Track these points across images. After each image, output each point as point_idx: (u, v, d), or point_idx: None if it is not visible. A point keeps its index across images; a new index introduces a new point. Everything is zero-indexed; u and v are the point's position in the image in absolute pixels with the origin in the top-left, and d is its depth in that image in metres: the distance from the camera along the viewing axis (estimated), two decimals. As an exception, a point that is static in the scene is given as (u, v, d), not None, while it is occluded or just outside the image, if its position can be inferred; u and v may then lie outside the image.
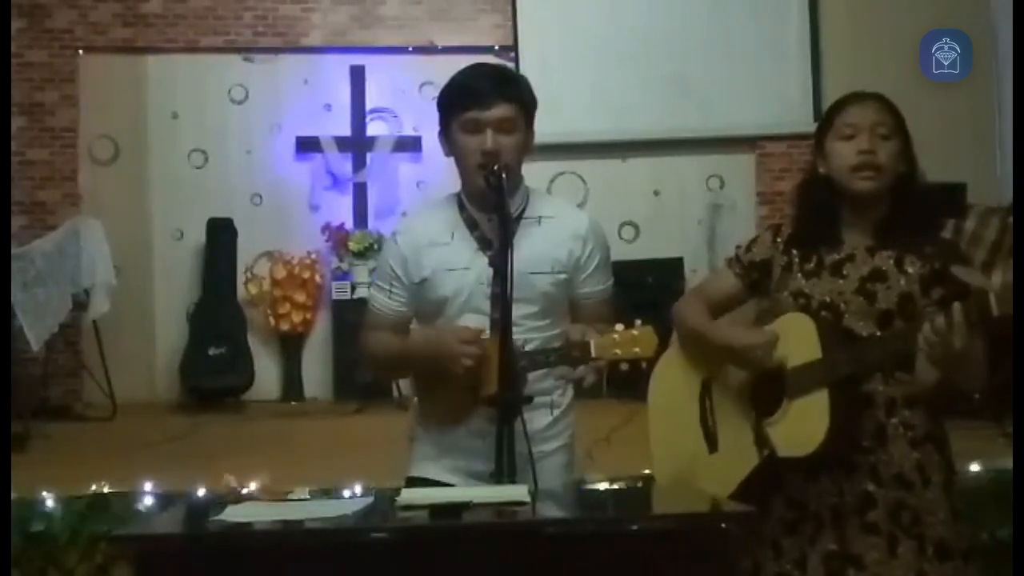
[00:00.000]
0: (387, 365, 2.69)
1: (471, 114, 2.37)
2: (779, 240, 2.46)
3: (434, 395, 2.45)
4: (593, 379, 2.27)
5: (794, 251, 2.41)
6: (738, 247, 2.55)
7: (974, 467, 4.02)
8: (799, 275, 2.39)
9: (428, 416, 2.50)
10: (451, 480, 2.40)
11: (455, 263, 2.42)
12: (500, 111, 2.36)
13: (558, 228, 2.45)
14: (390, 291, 2.51)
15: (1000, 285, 2.03)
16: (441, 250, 2.44)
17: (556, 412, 2.48)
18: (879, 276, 2.31)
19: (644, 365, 2.27)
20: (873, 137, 2.32)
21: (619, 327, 2.24)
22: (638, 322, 2.24)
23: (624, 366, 2.23)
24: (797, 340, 2.30)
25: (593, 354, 2.24)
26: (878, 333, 2.29)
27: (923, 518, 2.26)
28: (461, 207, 2.47)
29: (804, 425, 2.26)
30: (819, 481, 2.31)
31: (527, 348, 2.33)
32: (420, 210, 2.71)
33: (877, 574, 2.25)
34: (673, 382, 2.54)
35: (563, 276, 2.44)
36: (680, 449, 2.50)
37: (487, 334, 2.36)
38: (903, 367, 2.28)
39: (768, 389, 2.35)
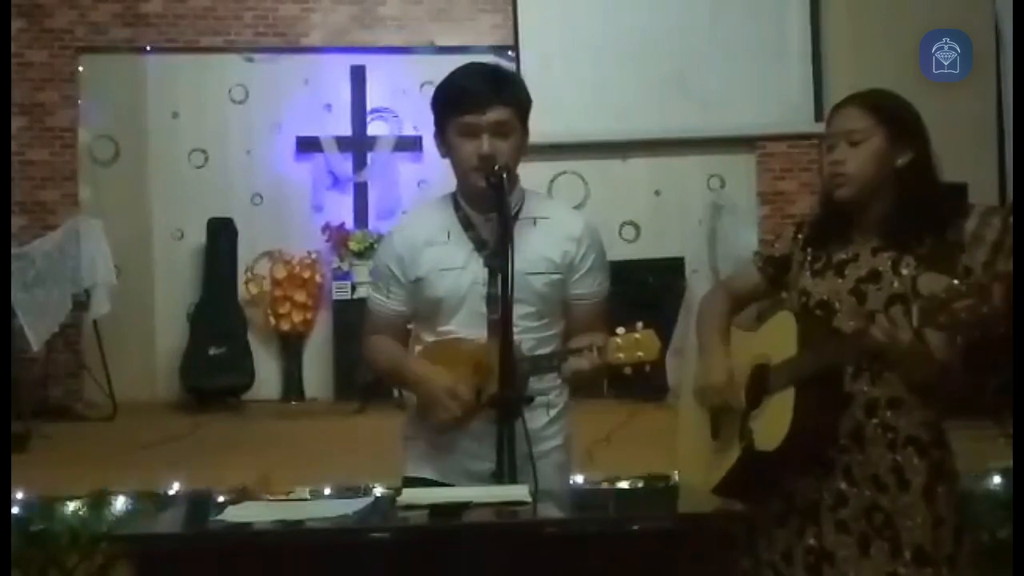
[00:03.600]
0: (385, 377, 2.71)
1: (467, 119, 2.34)
2: (799, 237, 2.47)
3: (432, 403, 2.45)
4: (587, 366, 2.27)
5: (809, 249, 2.43)
6: (764, 242, 2.56)
7: (974, 467, 4.01)
8: (807, 273, 2.40)
9: (426, 418, 2.50)
10: (448, 480, 2.39)
11: (450, 263, 2.41)
12: (496, 115, 2.34)
13: (553, 229, 2.44)
14: (388, 290, 2.50)
15: (972, 284, 2.02)
16: (437, 250, 2.43)
17: (552, 412, 2.47)
18: (874, 277, 2.31)
19: (647, 369, 2.26)
20: (844, 145, 2.33)
21: (620, 330, 2.23)
22: (639, 324, 2.23)
23: (627, 370, 2.23)
24: (781, 337, 2.32)
25: (598, 359, 2.23)
26: None
27: (897, 521, 2.24)
28: (456, 207, 2.46)
29: (775, 420, 2.28)
30: (803, 477, 2.32)
31: (524, 348, 2.32)
32: (416, 209, 2.70)
33: (845, 572, 2.26)
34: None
35: (557, 277, 2.43)
36: (695, 434, 2.55)
37: (482, 335, 2.36)
38: (889, 366, 2.27)
39: (759, 384, 2.37)
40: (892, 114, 2.34)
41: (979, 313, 1.97)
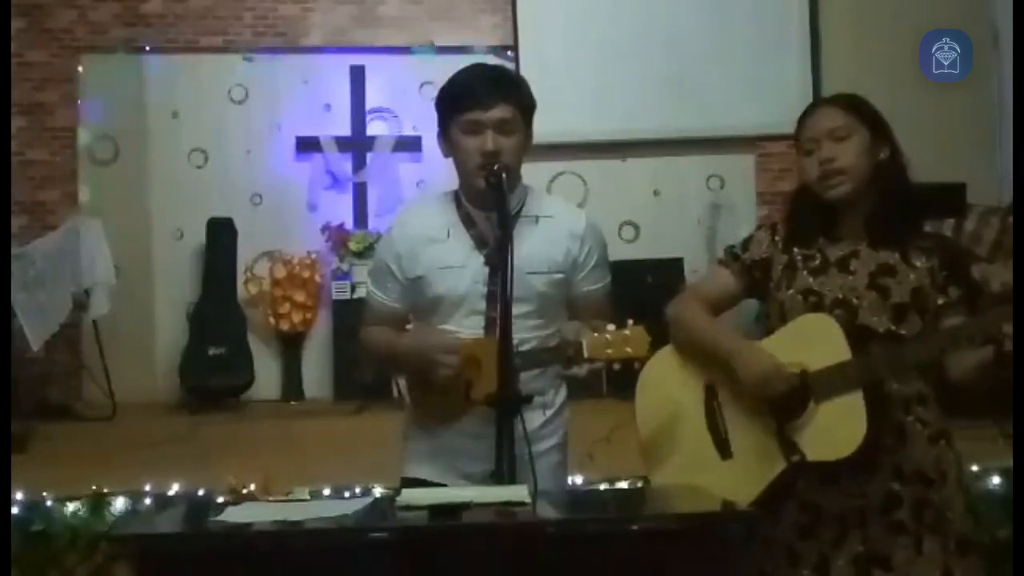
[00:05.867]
0: (380, 361, 2.70)
1: (471, 115, 2.36)
2: (777, 239, 2.44)
3: (428, 395, 2.45)
4: (584, 373, 2.27)
5: (795, 249, 2.40)
6: (731, 246, 2.51)
7: (974, 467, 4.01)
8: (805, 273, 2.37)
9: (422, 416, 2.50)
10: (446, 481, 2.40)
11: (451, 261, 2.41)
12: (500, 112, 2.35)
13: (555, 227, 2.45)
14: (386, 287, 2.51)
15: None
16: (437, 247, 2.43)
17: (549, 412, 2.47)
18: (888, 271, 2.31)
19: (637, 365, 2.27)
20: (830, 143, 2.34)
21: (610, 327, 2.24)
22: (630, 322, 2.24)
23: (616, 366, 2.23)
24: (819, 341, 2.26)
25: (586, 355, 2.24)
26: (893, 328, 2.28)
27: (944, 514, 2.26)
28: (458, 204, 2.47)
29: (837, 428, 2.22)
30: (839, 483, 2.28)
31: (522, 348, 2.32)
32: (416, 206, 2.70)
33: (906, 574, 2.24)
34: (670, 386, 2.46)
35: (560, 276, 2.43)
36: (684, 456, 2.42)
37: (481, 333, 2.36)
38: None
39: (800, 392, 2.29)
40: (868, 111, 2.39)
41: None
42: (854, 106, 2.38)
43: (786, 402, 2.29)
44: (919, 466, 2.27)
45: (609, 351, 2.22)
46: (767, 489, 2.28)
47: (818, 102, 2.45)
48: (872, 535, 2.26)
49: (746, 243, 2.49)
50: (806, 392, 2.27)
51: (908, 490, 2.26)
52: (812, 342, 2.28)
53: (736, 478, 2.33)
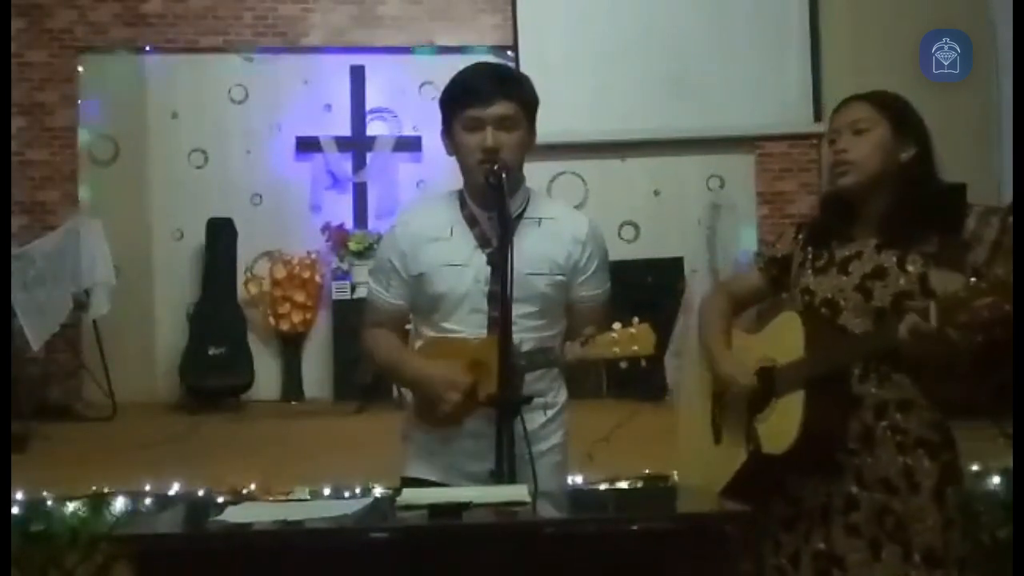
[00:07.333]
0: (383, 371, 2.70)
1: (472, 112, 2.37)
2: (800, 237, 2.47)
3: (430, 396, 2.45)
4: (581, 353, 2.28)
5: (810, 248, 2.43)
6: (764, 243, 2.58)
7: (974, 467, 4.01)
8: (809, 271, 2.40)
9: (423, 416, 2.50)
10: (446, 481, 2.40)
11: (453, 259, 2.42)
12: (500, 109, 2.36)
13: (558, 230, 2.45)
14: (388, 284, 2.51)
15: (991, 282, 2.02)
16: (440, 245, 2.44)
17: (550, 412, 2.47)
18: (880, 274, 2.30)
19: (643, 363, 2.27)
20: (848, 135, 2.34)
21: (617, 325, 2.24)
22: (635, 320, 2.24)
23: (623, 364, 2.23)
24: (787, 338, 2.31)
25: (592, 351, 2.24)
26: (873, 331, 2.29)
27: (909, 524, 2.23)
28: (462, 204, 2.47)
29: (783, 423, 2.28)
30: (810, 480, 2.32)
31: (524, 348, 2.33)
32: (420, 204, 2.71)
33: None
34: (698, 371, 2.59)
35: (560, 278, 2.43)
36: (695, 437, 2.56)
37: (484, 332, 2.36)
38: (896, 368, 2.27)
39: (763, 386, 2.37)
40: (896, 109, 2.37)
41: (1002, 311, 1.96)
42: (882, 102, 2.37)
43: (760, 393, 2.36)
44: (884, 473, 2.26)
45: (616, 349, 2.22)
46: (737, 475, 2.37)
47: (849, 97, 2.42)
48: (832, 535, 2.29)
49: (776, 240, 2.57)
50: (771, 386, 2.33)
51: (867, 495, 2.27)
52: (783, 339, 2.33)
53: (718, 463, 2.43)
